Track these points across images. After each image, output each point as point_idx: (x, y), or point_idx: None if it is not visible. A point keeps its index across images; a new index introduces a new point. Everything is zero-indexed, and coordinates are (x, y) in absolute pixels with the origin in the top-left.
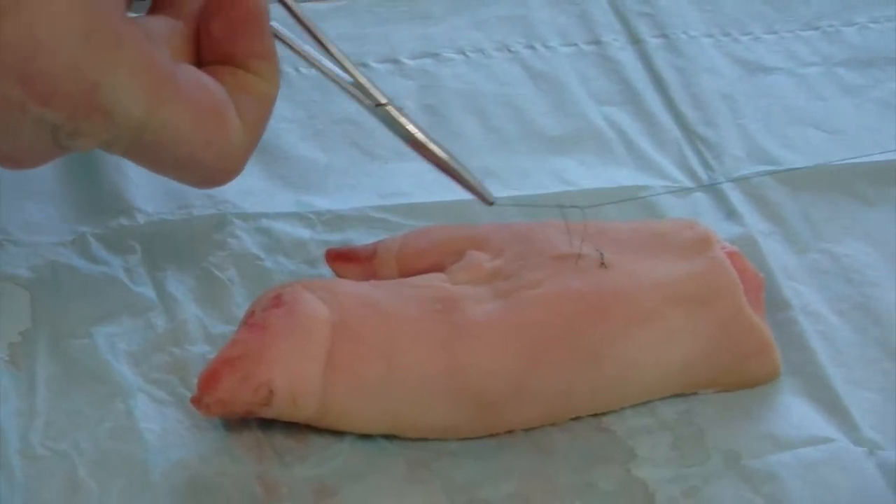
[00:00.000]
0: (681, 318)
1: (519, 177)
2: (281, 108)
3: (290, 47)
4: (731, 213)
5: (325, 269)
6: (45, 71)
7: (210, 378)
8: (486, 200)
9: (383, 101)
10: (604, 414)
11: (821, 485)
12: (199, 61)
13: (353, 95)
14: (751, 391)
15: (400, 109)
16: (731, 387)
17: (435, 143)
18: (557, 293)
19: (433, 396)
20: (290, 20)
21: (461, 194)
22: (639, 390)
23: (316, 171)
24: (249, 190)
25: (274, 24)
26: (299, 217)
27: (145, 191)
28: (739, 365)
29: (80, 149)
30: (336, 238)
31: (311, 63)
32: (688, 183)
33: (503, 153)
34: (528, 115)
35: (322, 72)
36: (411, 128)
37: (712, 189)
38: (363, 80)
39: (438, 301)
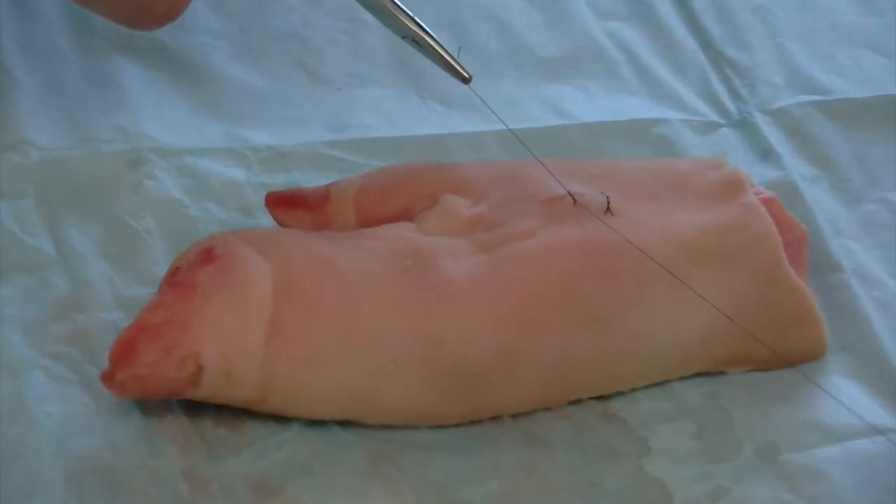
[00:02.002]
0: (704, 278)
1: (504, 107)
2: (208, 20)
3: None
4: (766, 154)
5: (266, 218)
6: None
7: (124, 350)
8: (462, 77)
9: None
10: (610, 396)
11: (875, 484)
12: None
13: None
14: (790, 370)
15: None
16: (767, 364)
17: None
18: (553, 246)
19: (400, 372)
20: None
21: (433, 127)
22: (653, 367)
23: (252, 98)
24: (169, 120)
25: None
26: (232, 154)
27: (40, 119)
28: (777, 337)
29: None
30: (278, 180)
31: None
32: (713, 116)
33: (485, 78)
34: (516, 30)
35: None
36: None
37: (744, 124)
38: None
39: (407, 255)
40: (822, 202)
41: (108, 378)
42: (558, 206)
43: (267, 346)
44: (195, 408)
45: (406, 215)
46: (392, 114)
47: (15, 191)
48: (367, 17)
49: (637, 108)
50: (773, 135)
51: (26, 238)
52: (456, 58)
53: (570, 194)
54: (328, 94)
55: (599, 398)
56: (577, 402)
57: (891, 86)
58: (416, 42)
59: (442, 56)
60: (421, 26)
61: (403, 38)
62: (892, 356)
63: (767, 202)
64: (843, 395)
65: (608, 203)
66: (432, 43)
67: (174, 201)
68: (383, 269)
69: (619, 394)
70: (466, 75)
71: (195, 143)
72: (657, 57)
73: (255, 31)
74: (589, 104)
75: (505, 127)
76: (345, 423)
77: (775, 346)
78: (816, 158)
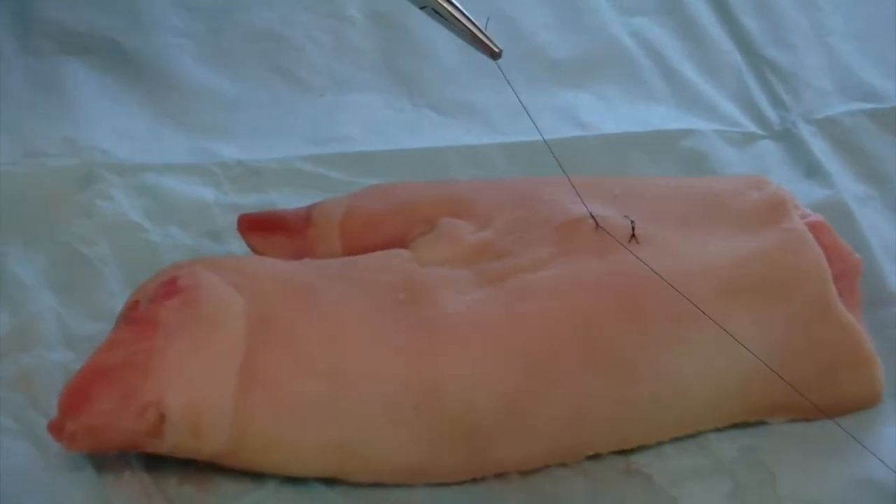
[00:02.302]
0: (743, 316)
1: (512, 117)
2: (170, 16)
3: None
4: (813, 170)
5: (238, 244)
6: None
7: (75, 396)
8: (492, 51)
9: None
10: (633, 450)
11: None
12: None
13: None
14: (841, 420)
15: None
16: (813, 413)
17: None
18: (569, 279)
19: (393, 423)
20: None
21: (429, 139)
22: (683, 418)
23: (222, 106)
24: (126, 132)
25: None
26: (198, 170)
27: None
28: (825, 382)
29: None
30: (252, 200)
31: None
32: (752, 127)
33: (489, 83)
34: (526, 29)
35: None
36: None
37: (787, 136)
38: None
39: (400, 288)
40: (876, 226)
41: (56, 428)
42: (576, 232)
43: (239, 394)
44: (157, 463)
45: (399, 242)
46: (382, 124)
47: None
48: (353, 12)
49: (664, 117)
50: (820, 148)
51: None
52: (483, 29)
53: (593, 217)
54: (309, 102)
55: (621, 452)
56: (596, 456)
57: None
58: (437, 12)
59: (467, 27)
60: None
61: (423, 8)
62: None
63: (814, 227)
64: None
65: (633, 229)
66: (454, 13)
67: (132, 225)
68: (373, 305)
69: (644, 447)
70: (496, 49)
71: (155, 159)
72: (687, 58)
73: (225, 29)
74: (609, 113)
75: (539, 136)
76: (329, 481)
77: (824, 391)
78: (870, 175)
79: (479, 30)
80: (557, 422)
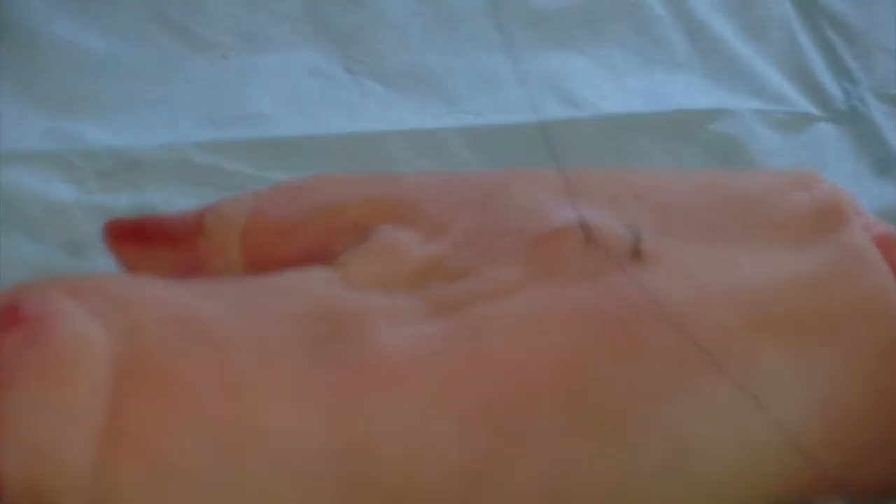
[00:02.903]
0: (782, 359)
1: (484, 89)
2: None
3: None
4: (886, 163)
5: (106, 260)
6: None
7: None
8: None
9: None
10: None
11: None
12: None
13: None
14: None
15: None
16: (877, 490)
17: None
18: (547, 310)
19: (312, 500)
20: None
21: (368, 119)
22: (700, 497)
23: (89, 72)
24: None
25: None
26: (56, 160)
27: None
28: (893, 447)
29: None
30: (125, 202)
31: None
32: (805, 105)
33: (449, 44)
34: None
35: None
36: None
37: (852, 117)
38: None
39: (321, 319)
40: None
41: None
42: (558, 246)
43: (100, 460)
44: None
45: (321, 256)
46: (305, 98)
47: None
48: None
49: (687, 91)
50: (895, 133)
51: None
52: None
53: (583, 226)
54: (206, 67)
55: None
56: None
57: None
58: None
59: None
60: None
61: None
62: None
63: (883, 241)
64: None
65: (637, 242)
66: None
67: None
68: (284, 341)
69: None
70: None
71: (2, 144)
72: (719, 11)
73: None
74: (611, 84)
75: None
76: None
77: (892, 461)
78: None
79: None
80: (530, 500)
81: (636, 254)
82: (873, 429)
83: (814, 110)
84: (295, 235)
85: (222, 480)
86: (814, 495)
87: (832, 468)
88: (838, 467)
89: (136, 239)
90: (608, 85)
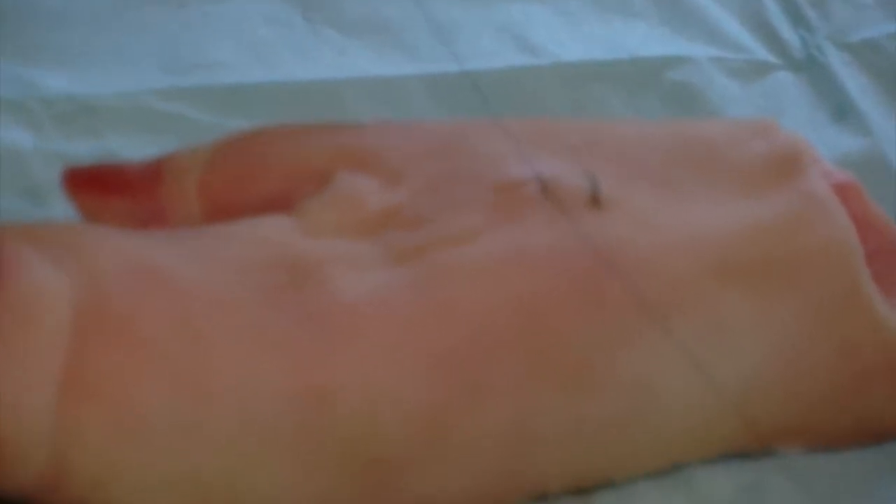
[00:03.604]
0: (743, 307)
1: (440, 37)
2: None
3: None
4: (843, 111)
5: (65, 207)
6: None
7: None
8: None
9: None
10: (595, 488)
11: None
12: None
13: None
14: (875, 449)
15: None
16: (837, 438)
17: None
18: (507, 256)
19: (268, 448)
20: None
21: (326, 67)
22: (660, 444)
23: (43, 19)
24: None
25: None
26: (12, 107)
27: None
28: (852, 397)
29: None
30: (83, 149)
31: None
32: (762, 53)
33: None
34: None
35: None
36: None
37: (810, 65)
38: None
39: (280, 267)
40: None
41: None
42: (517, 194)
43: (60, 408)
44: None
45: (280, 205)
46: (262, 45)
47: None
48: None
49: (645, 39)
50: (855, 82)
51: None
52: None
53: (538, 177)
54: (163, 15)
55: (578, 491)
56: (544, 497)
57: None
58: None
59: None
60: None
61: None
62: None
63: (842, 189)
64: None
65: (595, 190)
66: None
67: None
68: (243, 288)
69: (609, 485)
70: None
71: None
72: None
73: None
74: (569, 33)
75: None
76: None
77: (851, 409)
78: None
79: None
80: (491, 448)
81: (595, 202)
82: (834, 376)
83: (771, 58)
84: (253, 184)
85: (182, 426)
86: (778, 444)
87: (794, 416)
88: (800, 414)
89: (95, 186)
90: (566, 33)
